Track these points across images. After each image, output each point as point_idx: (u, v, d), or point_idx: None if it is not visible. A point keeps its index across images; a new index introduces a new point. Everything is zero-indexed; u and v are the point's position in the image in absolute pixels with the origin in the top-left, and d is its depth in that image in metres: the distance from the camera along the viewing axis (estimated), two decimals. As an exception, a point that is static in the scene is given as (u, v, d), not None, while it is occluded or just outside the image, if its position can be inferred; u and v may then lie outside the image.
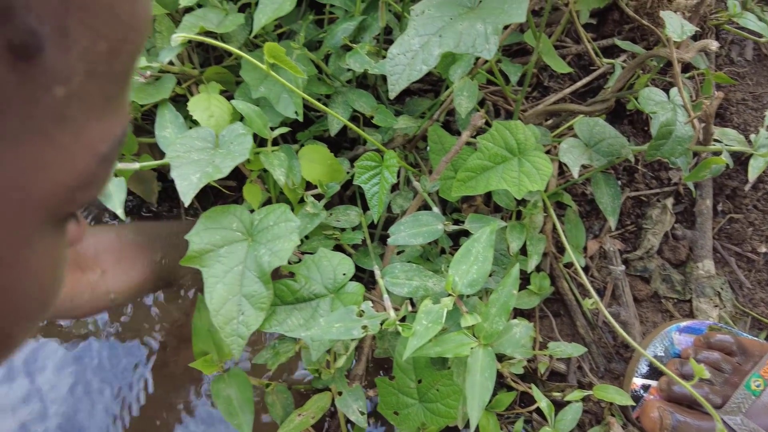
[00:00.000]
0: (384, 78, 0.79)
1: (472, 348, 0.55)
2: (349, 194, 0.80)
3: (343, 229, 0.68)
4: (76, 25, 0.14)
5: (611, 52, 0.89)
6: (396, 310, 0.57)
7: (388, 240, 0.58)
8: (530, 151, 0.58)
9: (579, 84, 0.81)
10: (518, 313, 0.75)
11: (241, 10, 0.77)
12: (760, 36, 0.80)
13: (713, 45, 0.64)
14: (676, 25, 0.64)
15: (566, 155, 0.60)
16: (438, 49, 0.48)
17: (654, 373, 0.68)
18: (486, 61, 0.71)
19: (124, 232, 0.64)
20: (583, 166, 0.78)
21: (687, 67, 0.85)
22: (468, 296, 0.64)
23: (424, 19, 0.52)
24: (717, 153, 0.58)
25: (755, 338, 0.70)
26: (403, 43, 0.51)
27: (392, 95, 0.51)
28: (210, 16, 0.71)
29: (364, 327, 0.53)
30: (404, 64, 0.51)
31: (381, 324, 0.53)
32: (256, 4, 0.69)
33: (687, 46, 0.66)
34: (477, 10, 0.50)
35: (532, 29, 0.64)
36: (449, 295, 0.55)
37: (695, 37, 0.88)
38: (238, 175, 0.81)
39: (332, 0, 0.68)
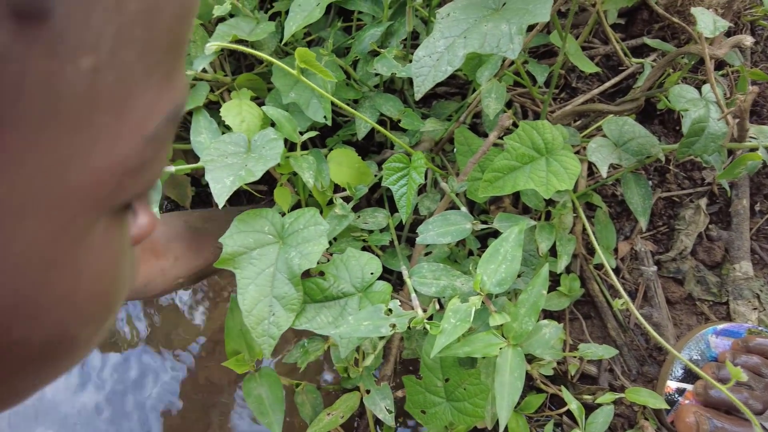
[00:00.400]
0: (411, 82, 0.81)
1: (501, 348, 0.55)
2: (377, 197, 0.81)
3: (370, 231, 0.69)
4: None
5: (640, 52, 0.88)
6: (424, 310, 0.58)
7: (417, 239, 0.59)
8: (558, 150, 0.58)
9: (608, 84, 0.80)
10: (548, 314, 0.75)
11: (272, 18, 0.79)
12: (798, 31, 0.78)
13: (747, 40, 0.63)
14: (707, 21, 0.63)
15: (594, 154, 0.60)
16: (463, 50, 0.49)
17: (689, 376, 0.66)
18: (512, 63, 0.72)
19: (192, 220, 0.68)
20: (613, 167, 0.77)
21: (720, 65, 0.83)
22: (496, 296, 0.64)
23: (450, 21, 0.52)
24: (753, 150, 0.57)
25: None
26: (428, 46, 0.52)
27: (418, 96, 0.52)
28: (242, 25, 0.73)
29: (392, 325, 0.53)
30: (430, 65, 0.51)
31: (409, 322, 0.54)
32: (287, 12, 0.71)
33: (720, 43, 0.65)
34: (501, 11, 0.51)
35: (558, 30, 0.64)
36: (477, 294, 0.56)
37: (728, 34, 0.86)
38: (269, 179, 0.83)
39: (360, 6, 0.69)
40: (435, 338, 0.52)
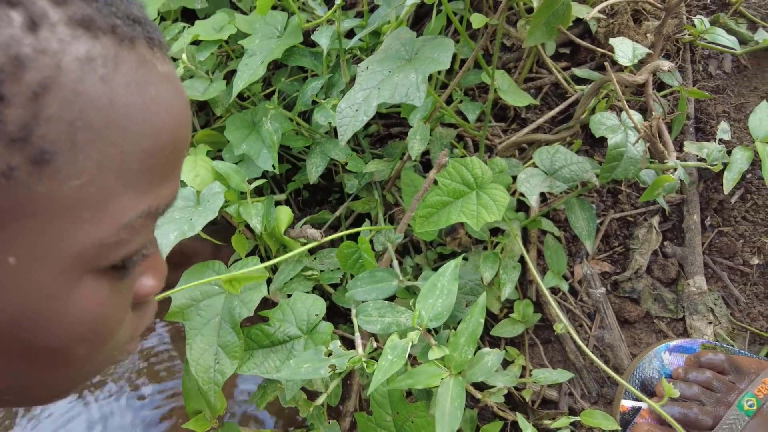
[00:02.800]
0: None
1: (442, 378, 0.56)
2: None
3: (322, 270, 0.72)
4: (83, 140, 0.20)
5: (586, 78, 0.91)
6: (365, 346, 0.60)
7: (345, 295, 0.61)
8: (487, 184, 0.61)
9: (553, 113, 0.83)
10: (507, 342, 0.76)
11: (229, 75, 0.85)
12: (733, 49, 0.81)
13: (665, 65, 0.66)
14: (626, 51, 0.66)
15: (524, 185, 0.62)
16: (376, 101, 0.53)
17: (645, 394, 0.67)
18: (452, 101, 0.75)
19: None
20: (551, 195, 0.79)
21: (662, 85, 0.86)
22: (438, 330, 0.66)
23: (368, 74, 0.56)
24: (672, 169, 0.59)
25: (752, 355, 0.67)
26: (349, 98, 0.56)
27: (342, 143, 0.55)
28: (197, 86, 0.78)
29: (332, 366, 0.56)
30: (350, 116, 0.55)
31: (348, 362, 0.56)
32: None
33: (641, 69, 0.68)
34: (412, 61, 0.54)
35: (485, 68, 0.68)
36: (416, 329, 0.58)
37: (668, 56, 0.89)
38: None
39: (301, 62, 0.74)
40: (379, 375, 0.54)
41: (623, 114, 0.62)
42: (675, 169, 0.58)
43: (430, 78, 0.53)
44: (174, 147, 0.24)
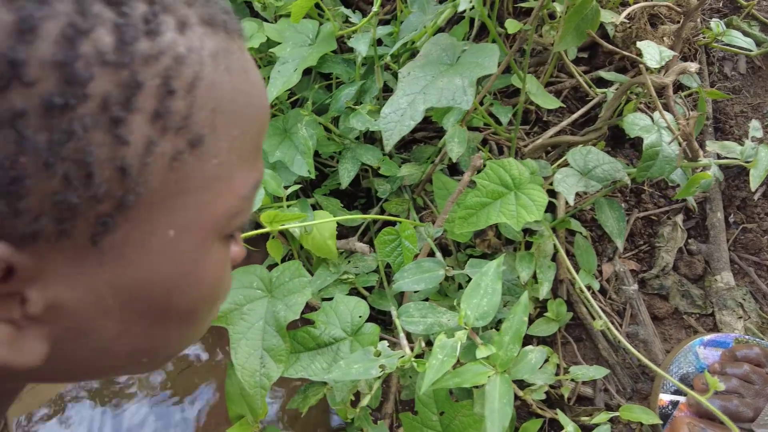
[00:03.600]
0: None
1: (489, 376, 0.57)
2: (366, 240, 0.85)
3: (357, 273, 0.73)
4: (220, 124, 0.24)
5: (605, 81, 0.93)
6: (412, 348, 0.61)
7: (393, 286, 0.62)
8: (525, 184, 0.62)
9: (575, 116, 0.85)
10: (540, 341, 0.77)
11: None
12: (749, 50, 0.83)
13: (692, 67, 0.68)
14: (653, 53, 0.68)
15: (561, 184, 0.63)
16: (423, 105, 0.54)
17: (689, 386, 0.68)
18: (482, 105, 0.77)
19: None
20: (584, 194, 0.81)
21: (681, 87, 0.88)
22: (483, 329, 0.67)
23: (410, 79, 0.57)
24: (705, 167, 0.61)
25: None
26: (393, 103, 0.57)
27: (387, 149, 0.56)
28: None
29: (382, 366, 0.56)
30: (395, 121, 0.56)
31: (397, 362, 0.57)
32: (268, 78, 0.77)
33: (668, 71, 0.70)
34: (455, 66, 0.56)
35: (516, 72, 0.69)
36: (463, 328, 0.59)
37: (684, 58, 0.91)
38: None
39: (334, 69, 0.75)
40: (425, 374, 0.55)
41: (655, 114, 0.64)
42: (709, 167, 0.60)
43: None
44: (265, 125, 0.29)
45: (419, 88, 0.56)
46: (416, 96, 0.55)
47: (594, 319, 0.75)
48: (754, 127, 0.63)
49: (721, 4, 0.94)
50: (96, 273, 0.23)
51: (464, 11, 0.80)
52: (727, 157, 0.71)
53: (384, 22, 0.86)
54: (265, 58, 0.86)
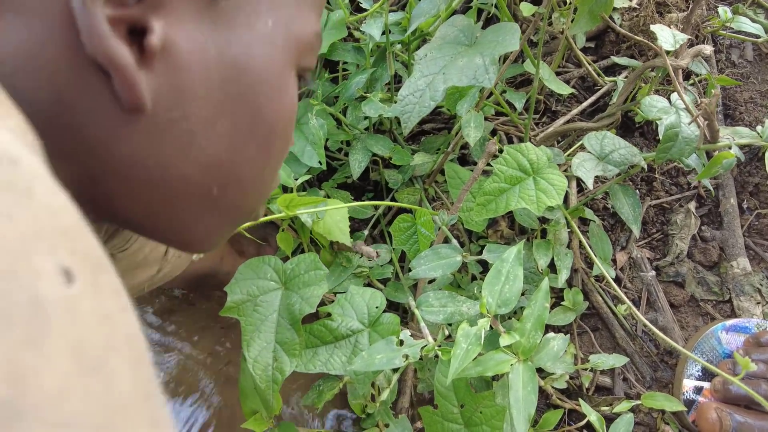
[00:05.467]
0: (399, 122, 0.84)
1: (512, 364, 0.56)
2: (377, 233, 0.83)
3: (371, 267, 0.71)
4: None
5: (612, 71, 0.92)
6: (434, 338, 0.59)
7: (410, 273, 0.61)
8: (544, 169, 0.61)
9: (585, 104, 0.84)
10: (556, 330, 0.76)
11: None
12: (758, 37, 0.83)
13: (707, 49, 0.67)
14: (667, 36, 0.67)
15: (579, 169, 0.62)
16: (443, 85, 0.53)
17: (705, 374, 0.67)
18: (491, 94, 0.76)
19: None
20: (601, 180, 0.80)
21: (688, 75, 0.87)
22: (503, 317, 0.65)
23: (428, 61, 0.56)
24: (728, 148, 0.60)
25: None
26: (410, 85, 0.56)
27: (406, 132, 0.55)
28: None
29: (405, 356, 0.55)
30: (414, 102, 0.55)
31: (421, 351, 0.55)
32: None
33: (682, 54, 0.69)
34: (474, 46, 0.54)
35: (531, 58, 0.68)
36: (485, 316, 0.57)
37: (691, 45, 0.91)
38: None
39: (344, 57, 0.73)
40: (448, 364, 0.53)
41: (673, 96, 0.63)
42: (730, 147, 0.59)
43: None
44: None
45: (438, 68, 0.55)
46: (435, 76, 0.54)
47: (612, 306, 0.74)
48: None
49: (725, -7, 0.95)
50: (208, 31, 0.24)
51: (472, 1, 0.80)
52: (737, 140, 0.70)
53: (392, 12, 0.84)
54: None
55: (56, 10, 0.21)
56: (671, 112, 0.61)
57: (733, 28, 0.81)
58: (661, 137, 0.60)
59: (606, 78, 0.85)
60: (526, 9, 0.61)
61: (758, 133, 0.61)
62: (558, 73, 0.92)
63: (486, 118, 0.84)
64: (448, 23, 0.58)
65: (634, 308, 0.58)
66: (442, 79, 0.53)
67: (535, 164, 0.61)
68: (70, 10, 0.21)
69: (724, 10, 0.84)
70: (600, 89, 0.88)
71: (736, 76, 0.88)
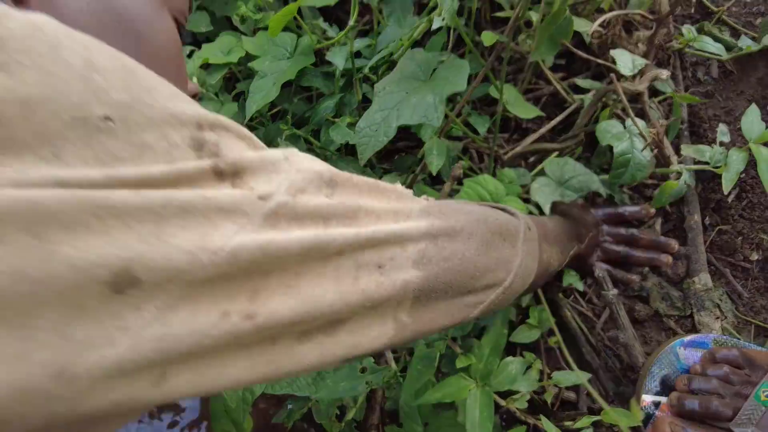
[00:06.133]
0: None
1: (470, 390, 0.58)
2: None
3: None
4: None
5: (584, 87, 0.94)
6: (397, 359, 0.61)
7: None
8: (502, 198, 0.63)
9: (553, 123, 0.86)
10: (524, 347, 0.78)
11: (236, 98, 0.86)
12: (720, 55, 0.85)
13: (663, 74, 0.69)
14: (627, 61, 0.69)
15: (537, 194, 0.64)
16: (395, 122, 0.55)
17: (664, 389, 0.69)
18: (459, 114, 0.78)
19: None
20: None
21: (656, 92, 0.89)
22: (464, 337, 0.67)
23: (385, 94, 0.58)
24: (679, 173, 0.62)
25: (762, 348, 0.70)
26: (368, 118, 0.58)
27: (361, 163, 0.57)
28: (208, 109, 0.79)
29: (368, 382, 0.57)
30: (370, 136, 0.57)
31: (383, 377, 0.57)
32: (247, 92, 0.77)
33: (640, 79, 0.71)
34: (429, 82, 0.56)
35: (494, 83, 0.70)
36: (442, 338, 0.59)
37: (659, 63, 0.93)
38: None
39: (314, 83, 0.75)
40: (410, 386, 0.56)
41: (627, 122, 0.65)
42: (680, 174, 0.61)
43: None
44: None
45: (393, 103, 0.57)
46: (390, 112, 0.56)
47: (577, 323, 0.77)
48: (722, 132, 0.64)
49: (693, 10, 0.96)
50: None
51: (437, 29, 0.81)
52: (699, 162, 0.72)
53: (362, 33, 0.86)
54: (243, 71, 0.86)
55: None
56: (624, 138, 0.63)
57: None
58: (614, 163, 0.62)
59: (574, 96, 0.87)
60: (488, 38, 0.63)
61: (708, 158, 0.63)
62: (529, 90, 0.94)
63: (457, 138, 0.86)
64: (408, 56, 0.60)
65: (562, 344, 0.60)
66: (395, 116, 0.55)
67: (493, 194, 0.63)
68: None
69: (688, 30, 0.86)
70: (570, 106, 0.90)
71: (701, 93, 0.90)
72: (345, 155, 0.80)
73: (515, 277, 0.43)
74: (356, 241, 0.27)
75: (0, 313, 0.16)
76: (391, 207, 0.31)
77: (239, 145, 0.26)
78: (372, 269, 0.28)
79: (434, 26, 0.52)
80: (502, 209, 0.49)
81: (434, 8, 0.75)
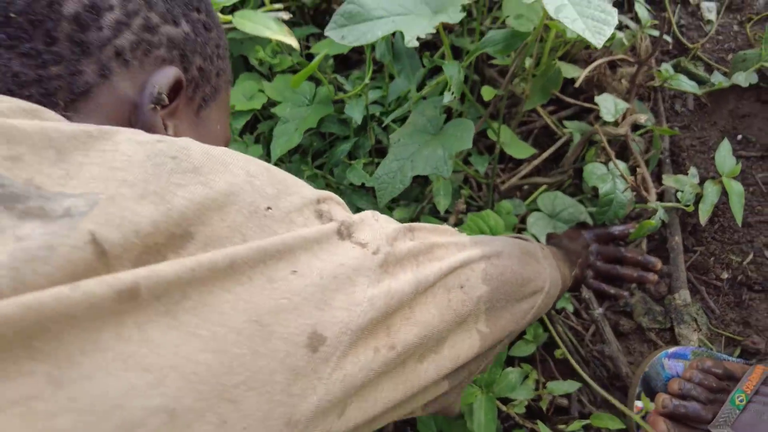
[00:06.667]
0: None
1: (476, 396, 0.67)
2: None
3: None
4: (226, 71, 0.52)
5: (574, 117, 1.03)
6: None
7: None
8: (501, 231, 0.72)
9: (545, 155, 0.95)
10: (522, 359, 0.87)
11: (257, 138, 0.95)
12: (695, 92, 0.94)
13: (641, 118, 0.79)
14: (609, 107, 0.79)
15: (533, 228, 0.74)
16: (411, 172, 0.64)
17: (652, 396, 0.78)
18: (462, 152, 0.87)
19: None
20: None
21: (638, 126, 0.98)
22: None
23: (400, 146, 0.67)
24: (654, 210, 0.71)
25: (737, 360, 0.80)
26: (385, 166, 0.67)
27: (380, 206, 0.66)
28: (233, 148, 0.88)
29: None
30: (387, 182, 0.66)
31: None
32: (271, 131, 0.86)
33: (624, 120, 0.81)
34: (438, 137, 0.65)
35: (491, 127, 0.79)
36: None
37: (641, 97, 1.02)
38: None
39: (331, 129, 0.84)
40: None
41: (610, 164, 0.74)
42: (656, 210, 0.70)
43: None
44: None
45: (408, 154, 0.66)
46: (405, 162, 0.65)
47: (569, 337, 0.86)
48: (692, 174, 0.74)
49: (671, 47, 1.06)
50: (192, 126, 0.43)
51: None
52: (677, 193, 0.82)
53: (373, 76, 0.95)
54: (264, 112, 0.95)
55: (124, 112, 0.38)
56: (608, 179, 0.72)
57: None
58: (599, 201, 0.71)
59: (564, 130, 0.96)
60: (487, 93, 0.72)
61: (678, 198, 0.72)
62: (523, 123, 1.03)
63: (457, 170, 0.95)
64: (419, 111, 0.69)
65: (568, 354, 0.69)
66: (410, 167, 0.64)
67: (494, 228, 0.72)
68: (131, 110, 0.38)
69: (665, 69, 0.95)
70: (560, 138, 0.99)
71: (679, 125, 0.99)
72: (356, 189, 0.89)
73: (550, 285, 0.53)
74: (441, 272, 0.37)
75: (249, 384, 0.25)
76: (452, 240, 0.41)
77: (340, 210, 0.35)
78: (456, 290, 0.37)
79: (445, 101, 0.61)
80: (515, 236, 0.59)
81: (439, 59, 0.84)
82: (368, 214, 0.37)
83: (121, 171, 0.26)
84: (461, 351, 0.38)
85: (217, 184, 0.28)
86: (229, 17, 0.76)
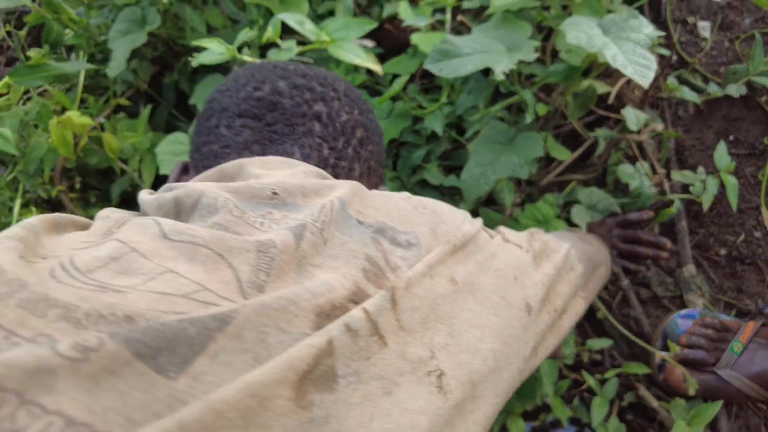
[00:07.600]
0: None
1: (540, 351, 0.87)
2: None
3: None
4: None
5: (599, 123, 1.22)
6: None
7: None
8: (552, 220, 0.91)
9: (575, 155, 1.14)
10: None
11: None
12: (695, 102, 1.14)
13: (659, 126, 0.98)
14: (632, 118, 0.98)
15: (576, 217, 0.93)
16: (494, 176, 0.82)
17: (668, 347, 0.99)
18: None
19: None
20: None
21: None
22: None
23: (479, 154, 0.85)
24: (671, 200, 0.91)
25: (733, 318, 1.00)
26: (468, 171, 0.85)
27: (467, 205, 0.84)
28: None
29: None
30: (472, 184, 0.84)
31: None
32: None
33: (644, 129, 1.00)
34: (511, 146, 0.84)
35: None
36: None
37: (651, 104, 1.22)
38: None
39: (408, 138, 1.01)
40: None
41: (637, 164, 0.93)
42: (673, 201, 0.90)
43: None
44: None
45: (487, 161, 0.84)
46: (486, 167, 0.83)
47: (600, 304, 1.06)
48: (700, 172, 0.93)
49: (673, 61, 1.25)
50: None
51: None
52: (687, 186, 1.01)
53: (425, 90, 1.13)
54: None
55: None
56: (636, 177, 0.91)
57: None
58: (631, 195, 0.91)
59: (590, 134, 1.15)
60: (542, 110, 0.91)
61: (690, 190, 0.91)
62: (557, 126, 1.22)
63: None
64: (490, 126, 0.87)
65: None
66: (492, 171, 0.82)
67: (545, 216, 0.90)
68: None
69: (671, 81, 1.15)
70: (586, 141, 1.18)
71: (682, 128, 1.19)
72: (425, 188, 1.06)
73: (605, 258, 0.72)
74: (561, 259, 0.54)
75: (513, 335, 0.44)
76: (550, 238, 0.58)
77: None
78: (569, 271, 0.55)
79: (527, 121, 0.79)
80: (570, 230, 0.78)
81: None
82: (501, 228, 0.53)
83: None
84: (579, 311, 0.57)
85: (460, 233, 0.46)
86: (323, 42, 0.92)
